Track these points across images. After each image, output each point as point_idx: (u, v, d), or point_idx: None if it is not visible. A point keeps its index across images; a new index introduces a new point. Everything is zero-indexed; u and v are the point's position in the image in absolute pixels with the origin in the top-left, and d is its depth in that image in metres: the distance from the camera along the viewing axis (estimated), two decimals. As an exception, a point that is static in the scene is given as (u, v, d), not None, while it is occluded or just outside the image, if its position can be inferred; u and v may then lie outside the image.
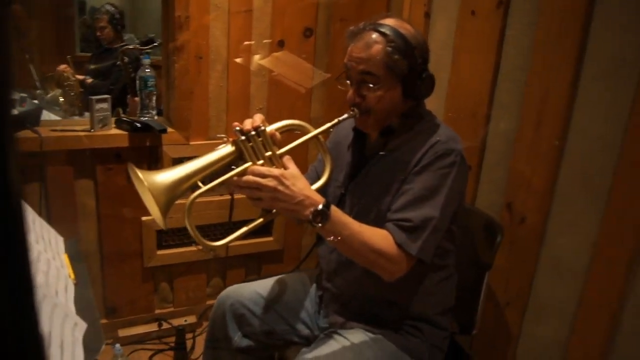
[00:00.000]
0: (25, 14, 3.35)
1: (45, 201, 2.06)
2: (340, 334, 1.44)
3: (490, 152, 1.87)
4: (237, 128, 1.22)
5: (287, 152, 1.25)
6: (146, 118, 2.23)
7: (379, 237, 1.26)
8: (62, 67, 3.24)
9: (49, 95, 3.17)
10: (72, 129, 2.08)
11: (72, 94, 3.16)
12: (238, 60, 2.25)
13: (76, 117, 3.00)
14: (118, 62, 3.25)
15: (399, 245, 1.26)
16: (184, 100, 2.22)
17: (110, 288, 2.31)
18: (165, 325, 2.41)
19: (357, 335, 1.42)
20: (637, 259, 1.40)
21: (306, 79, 2.42)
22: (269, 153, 1.23)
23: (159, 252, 2.34)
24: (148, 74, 2.21)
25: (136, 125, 2.11)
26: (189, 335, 2.36)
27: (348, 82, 1.36)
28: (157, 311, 2.46)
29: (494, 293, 1.83)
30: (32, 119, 2.09)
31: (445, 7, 2.06)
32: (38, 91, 3.14)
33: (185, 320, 2.43)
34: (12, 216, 0.33)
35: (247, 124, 1.23)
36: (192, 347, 2.35)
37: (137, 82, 2.23)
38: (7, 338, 0.34)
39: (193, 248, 2.40)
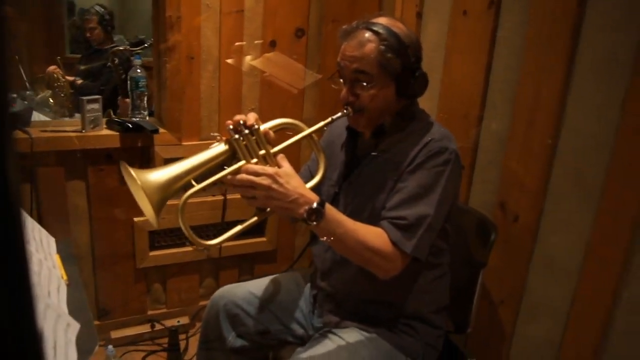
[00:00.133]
0: (16, 15, 3.33)
1: (36, 202, 2.05)
2: (335, 334, 1.44)
3: (482, 152, 1.88)
4: (231, 126, 1.22)
5: (281, 151, 1.25)
6: (137, 118, 2.22)
7: (374, 235, 1.26)
8: (52, 68, 3.23)
9: (38, 97, 3.15)
10: (63, 129, 2.06)
11: (62, 95, 3.15)
12: (230, 61, 2.25)
13: (66, 119, 2.98)
14: (108, 63, 3.23)
15: (393, 243, 1.26)
16: (176, 100, 2.21)
17: (103, 289, 2.30)
18: (158, 327, 2.40)
19: (351, 335, 1.42)
20: (631, 257, 1.41)
21: (298, 79, 2.41)
22: (262, 152, 1.22)
23: (152, 253, 2.33)
24: (139, 74, 2.20)
25: (128, 126, 2.10)
26: (182, 336, 2.34)
27: (341, 80, 1.36)
28: (150, 312, 2.44)
29: (488, 292, 1.83)
30: (22, 120, 2.07)
31: (436, 7, 2.07)
32: (28, 92, 3.12)
33: (178, 321, 2.42)
34: (11, 216, 0.33)
35: (237, 117, 1.23)
36: (186, 348, 2.34)
37: (128, 82, 2.22)
38: (6, 336, 0.34)
39: (186, 249, 2.39)
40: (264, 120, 1.30)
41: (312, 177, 1.34)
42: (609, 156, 1.45)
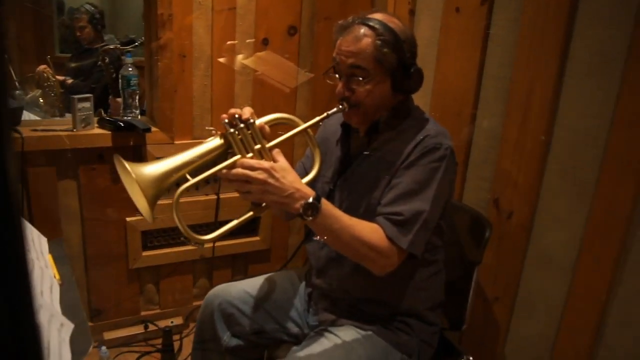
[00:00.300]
0: (6, 14, 3.29)
1: (27, 202, 2.02)
2: (330, 332, 1.43)
3: (476, 149, 1.88)
4: (226, 120, 1.21)
5: (276, 147, 1.24)
6: (129, 117, 2.20)
7: (370, 231, 1.26)
8: (42, 67, 3.20)
9: (28, 96, 3.12)
10: (54, 128, 2.04)
11: (52, 94, 3.12)
12: (222, 59, 2.24)
13: (57, 118, 2.95)
14: (99, 62, 3.21)
15: (389, 238, 1.26)
16: (168, 99, 2.19)
17: (95, 290, 2.28)
18: (151, 327, 2.38)
19: (347, 332, 1.41)
20: (624, 253, 1.42)
21: (290, 78, 2.41)
22: (258, 146, 1.21)
23: (145, 253, 2.32)
24: (131, 72, 2.18)
25: (119, 125, 2.08)
26: (175, 337, 2.33)
27: (337, 76, 1.36)
28: (143, 313, 2.42)
29: (482, 289, 1.84)
30: (13, 119, 2.05)
31: (429, 4, 2.07)
32: (17, 92, 3.09)
33: (172, 322, 2.40)
34: (11, 213, 0.33)
35: (232, 111, 1.22)
36: (179, 349, 2.32)
37: (120, 81, 2.20)
38: (4, 329, 0.34)
39: (179, 249, 2.37)
40: (258, 117, 1.29)
41: (307, 174, 1.33)
42: (602, 152, 1.45)
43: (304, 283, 1.64)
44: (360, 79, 1.31)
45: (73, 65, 3.59)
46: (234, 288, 1.60)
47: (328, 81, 1.39)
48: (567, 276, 1.57)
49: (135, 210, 2.24)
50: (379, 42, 1.28)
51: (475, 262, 1.64)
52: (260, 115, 1.28)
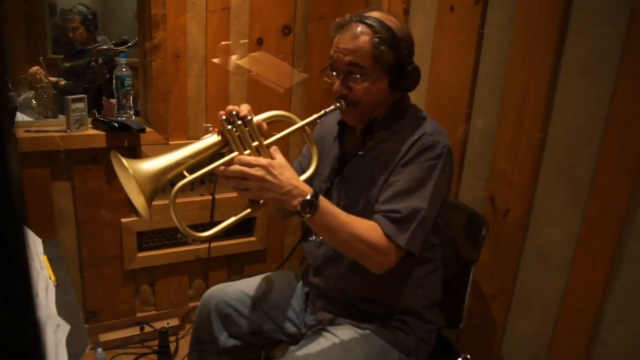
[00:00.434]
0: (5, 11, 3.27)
1: (21, 204, 2.01)
2: (328, 331, 1.43)
3: (471, 148, 1.88)
4: (223, 117, 1.21)
5: (273, 144, 1.24)
6: (123, 118, 2.19)
7: (368, 228, 1.25)
8: (35, 69, 3.18)
9: (21, 98, 3.10)
10: (48, 129, 2.03)
11: (45, 96, 3.10)
12: (216, 60, 2.23)
13: (50, 120, 2.94)
14: (92, 63, 3.19)
15: (387, 236, 1.25)
16: (162, 99, 2.18)
17: (90, 292, 2.26)
18: (147, 329, 2.37)
19: (345, 332, 1.41)
20: (620, 250, 1.42)
21: (285, 78, 2.40)
22: (255, 143, 1.21)
23: (140, 255, 2.30)
24: (125, 73, 2.17)
25: (114, 125, 2.07)
26: (172, 338, 2.32)
27: (334, 74, 1.36)
28: (139, 314, 2.41)
29: (479, 287, 1.84)
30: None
31: (423, 3, 2.07)
32: (10, 93, 3.07)
33: (168, 323, 2.39)
34: (13, 213, 0.34)
35: (230, 108, 1.22)
36: (176, 350, 2.31)
37: (114, 81, 2.19)
38: (4, 329, 0.34)
39: (175, 249, 2.36)
40: (254, 115, 1.29)
41: (304, 172, 1.33)
42: (597, 150, 1.46)
43: (301, 283, 1.63)
44: (358, 76, 1.31)
45: (66, 65, 3.57)
46: (231, 288, 1.59)
47: (325, 79, 1.39)
48: (563, 274, 1.58)
49: (130, 211, 2.24)
50: (376, 39, 1.28)
51: (471, 261, 1.65)
52: (256, 114, 1.28)
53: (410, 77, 1.35)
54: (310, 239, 1.54)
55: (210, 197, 2.27)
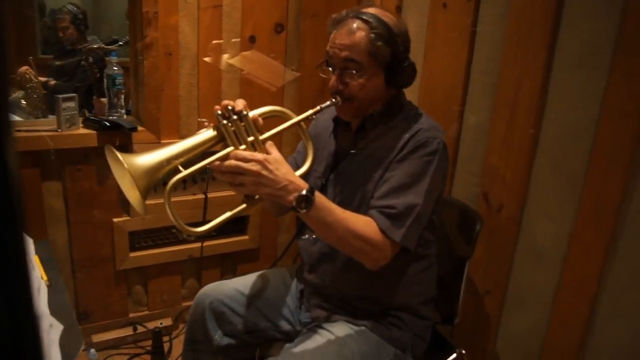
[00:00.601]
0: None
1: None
2: (323, 328, 1.42)
3: (465, 144, 1.88)
4: (219, 112, 1.20)
5: (269, 139, 1.23)
6: (115, 117, 2.17)
7: (364, 224, 1.25)
8: (24, 68, 3.14)
9: (10, 98, 3.07)
10: (38, 129, 2.01)
11: (34, 95, 3.07)
12: (208, 59, 2.22)
13: (40, 119, 2.91)
14: (82, 62, 3.17)
15: (383, 231, 1.25)
16: (154, 98, 2.17)
17: (82, 292, 2.24)
18: (140, 329, 2.36)
19: (340, 328, 1.41)
20: (614, 243, 1.43)
21: (277, 77, 2.39)
22: (251, 138, 1.20)
23: (132, 254, 2.29)
24: (116, 71, 2.15)
25: (105, 124, 2.06)
26: (165, 339, 2.31)
27: (330, 69, 1.36)
28: (132, 315, 2.40)
29: (473, 282, 1.84)
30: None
31: (416, 0, 2.07)
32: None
33: (161, 323, 2.38)
34: (12, 213, 0.34)
35: (225, 102, 1.21)
36: (169, 350, 2.30)
37: (105, 80, 2.17)
38: (4, 329, 0.35)
39: (167, 249, 2.35)
40: (249, 110, 1.28)
41: (298, 168, 1.32)
42: (590, 145, 1.46)
43: (295, 280, 1.63)
44: (354, 72, 1.31)
45: (56, 65, 3.54)
46: (225, 286, 1.58)
47: (321, 75, 1.39)
48: (557, 268, 1.58)
49: (122, 211, 2.22)
50: (372, 35, 1.28)
51: (466, 256, 1.65)
52: (250, 110, 1.27)
53: (406, 73, 1.35)
54: (304, 237, 1.53)
55: (202, 196, 2.26)
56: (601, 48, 1.42)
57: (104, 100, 2.22)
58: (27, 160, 1.99)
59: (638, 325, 1.40)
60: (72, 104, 2.04)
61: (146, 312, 2.43)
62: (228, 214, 1.22)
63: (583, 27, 1.46)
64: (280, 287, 1.61)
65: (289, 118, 1.29)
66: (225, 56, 2.25)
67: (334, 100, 1.34)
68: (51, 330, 1.06)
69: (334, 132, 1.49)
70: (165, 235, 2.34)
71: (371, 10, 1.33)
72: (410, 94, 2.00)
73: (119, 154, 1.10)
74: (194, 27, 2.16)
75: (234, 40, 2.25)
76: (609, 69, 1.40)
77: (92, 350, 1.95)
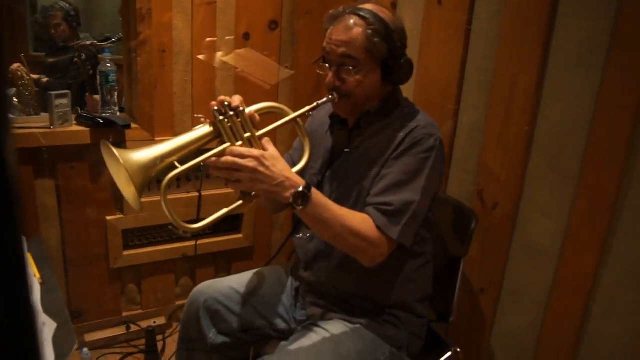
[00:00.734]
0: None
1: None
2: (319, 326, 1.42)
3: (460, 141, 1.88)
4: (215, 108, 1.19)
5: (265, 136, 1.22)
6: (108, 114, 2.16)
7: (360, 221, 1.25)
8: (16, 66, 3.11)
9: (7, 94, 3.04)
10: (31, 126, 1.99)
11: (27, 93, 3.04)
12: (201, 57, 2.20)
13: (33, 117, 2.88)
14: (75, 59, 3.14)
15: (379, 228, 1.25)
16: (148, 95, 2.15)
17: (75, 291, 2.23)
18: (133, 328, 2.34)
19: (336, 326, 1.40)
20: (609, 241, 1.43)
21: (271, 75, 2.38)
22: (247, 134, 1.20)
23: (126, 253, 2.27)
24: (109, 68, 2.14)
25: (98, 121, 2.04)
26: (158, 337, 2.30)
27: (327, 65, 1.35)
28: (125, 314, 2.38)
29: (468, 280, 1.84)
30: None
31: (411, -3, 2.07)
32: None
33: (155, 322, 2.36)
34: (12, 213, 0.33)
35: (222, 98, 1.20)
36: (163, 349, 2.29)
37: (98, 77, 2.16)
38: (4, 329, 0.35)
39: (161, 247, 2.34)
40: (246, 106, 1.27)
41: (295, 165, 1.31)
42: (585, 142, 1.47)
43: (291, 278, 1.62)
44: (351, 68, 1.30)
45: (49, 61, 3.51)
46: (219, 284, 1.57)
47: (318, 71, 1.39)
48: (552, 265, 1.58)
49: (115, 209, 2.20)
50: (369, 31, 1.27)
51: (461, 254, 1.65)
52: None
53: (403, 69, 1.35)
54: (298, 236, 1.52)
55: (196, 194, 2.25)
56: (596, 45, 1.42)
57: (97, 97, 2.20)
58: (20, 158, 1.97)
59: (633, 322, 1.40)
60: (65, 101, 2.02)
61: (140, 311, 2.41)
62: (224, 211, 1.21)
63: (578, 25, 1.47)
64: (275, 285, 1.61)
65: (285, 114, 1.29)
66: (219, 53, 2.24)
67: (330, 96, 1.33)
68: (44, 329, 1.05)
69: (330, 129, 1.49)
70: (159, 233, 2.33)
71: (368, 6, 1.33)
72: (406, 91, 1.99)
73: (114, 150, 1.09)
74: (188, 24, 2.15)
75: (227, 37, 2.24)
76: (604, 67, 1.40)
77: (85, 350, 1.94)
